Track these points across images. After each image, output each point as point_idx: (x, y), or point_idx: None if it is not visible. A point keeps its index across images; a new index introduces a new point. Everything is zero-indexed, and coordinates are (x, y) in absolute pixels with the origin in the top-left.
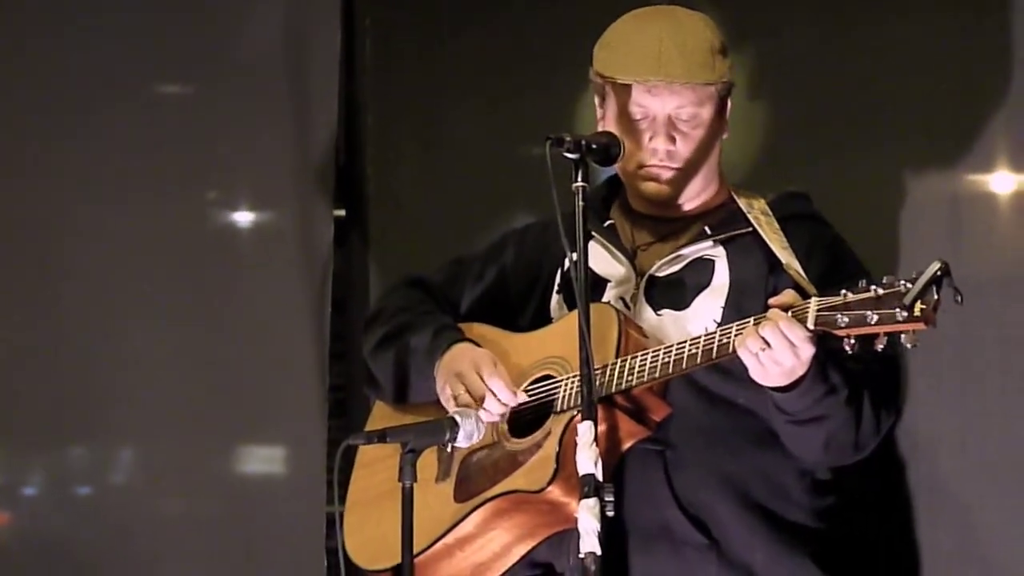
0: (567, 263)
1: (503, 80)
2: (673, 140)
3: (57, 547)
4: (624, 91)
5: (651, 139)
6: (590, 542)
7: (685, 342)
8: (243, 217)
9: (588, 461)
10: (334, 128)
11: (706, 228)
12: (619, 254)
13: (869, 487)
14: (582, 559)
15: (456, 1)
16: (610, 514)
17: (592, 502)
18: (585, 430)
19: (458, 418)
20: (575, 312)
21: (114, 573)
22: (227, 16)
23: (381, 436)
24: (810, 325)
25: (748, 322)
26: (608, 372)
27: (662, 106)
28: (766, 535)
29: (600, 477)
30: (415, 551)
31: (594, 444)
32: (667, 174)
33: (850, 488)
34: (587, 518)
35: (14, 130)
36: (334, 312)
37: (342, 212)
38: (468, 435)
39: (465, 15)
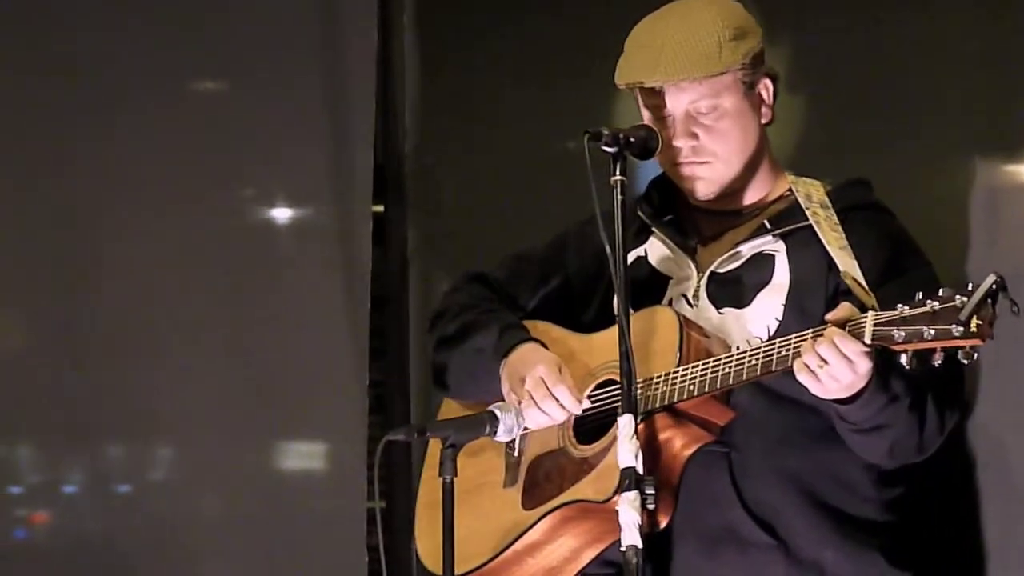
0: (617, 260)
1: (544, 73)
2: (695, 136)
3: (96, 545)
4: (642, 95)
5: (674, 136)
6: (631, 535)
7: (745, 353)
8: (281, 214)
9: (628, 454)
10: (372, 124)
11: (765, 222)
12: (679, 250)
13: (937, 473)
14: (623, 552)
15: None
16: (651, 507)
17: (632, 495)
18: (625, 423)
19: (498, 412)
20: (639, 314)
21: (154, 571)
22: (263, 11)
23: (421, 431)
24: (867, 340)
25: (807, 335)
26: (669, 382)
27: (676, 104)
28: (834, 532)
29: (640, 470)
30: (486, 559)
31: (635, 437)
32: (699, 170)
33: (918, 476)
34: (627, 511)
35: (52, 129)
36: (373, 309)
37: (381, 208)
38: (508, 429)
39: (504, 9)
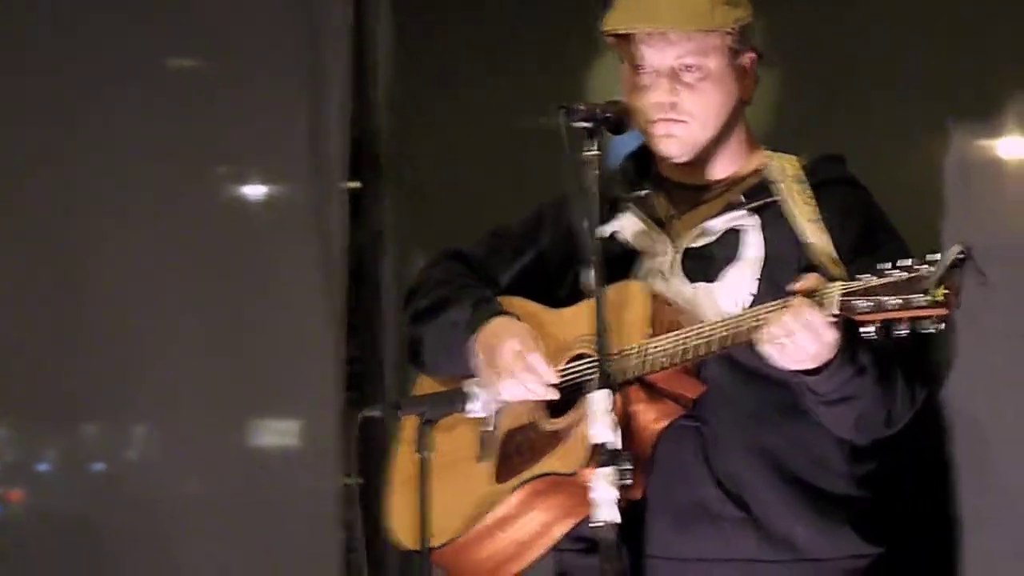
0: (592, 235)
1: (520, 49)
2: (676, 92)
3: (71, 523)
4: (628, 46)
5: (654, 92)
6: (607, 511)
7: (716, 324)
8: (257, 191)
9: (605, 429)
10: (348, 100)
11: (739, 197)
12: (653, 225)
13: (911, 447)
14: (600, 528)
15: None
16: (628, 482)
17: (609, 470)
18: (601, 398)
19: (473, 388)
20: (611, 288)
21: (129, 548)
22: None
23: (397, 407)
24: (833, 310)
25: (774, 306)
26: (638, 354)
27: (662, 57)
28: (806, 507)
29: (618, 445)
30: (456, 532)
31: (611, 412)
32: (674, 128)
33: (892, 451)
34: (603, 487)
35: (27, 107)
36: (349, 285)
37: (357, 184)
38: (484, 404)
39: None
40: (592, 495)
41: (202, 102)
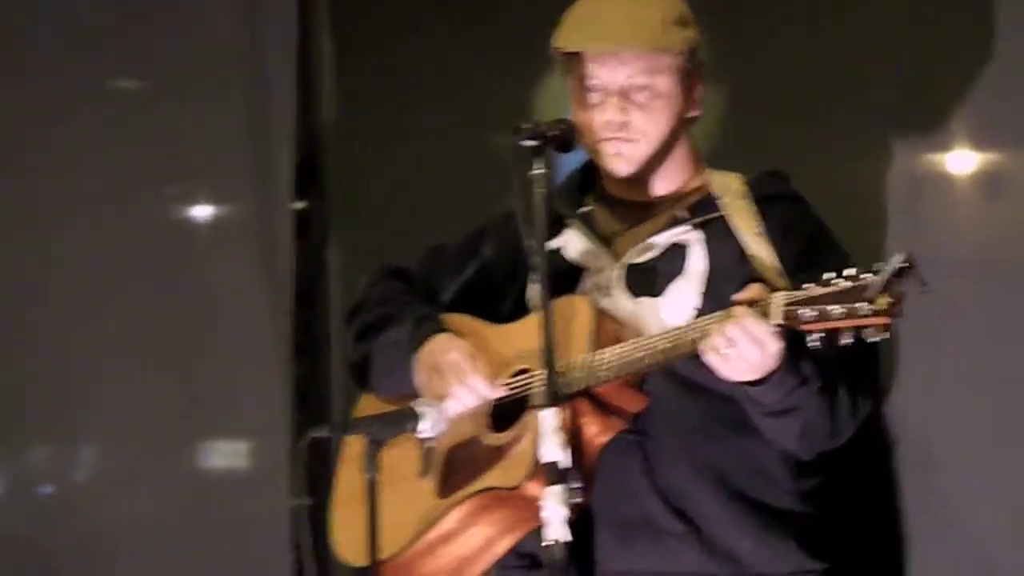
0: (540, 253)
1: (466, 67)
2: (627, 111)
3: (20, 547)
4: (577, 64)
5: (604, 111)
6: (557, 529)
7: (656, 337)
8: (203, 211)
9: (554, 448)
10: (293, 120)
11: (681, 213)
12: (596, 241)
13: (856, 464)
14: (551, 547)
15: None
16: (577, 500)
17: (558, 489)
18: (549, 416)
19: (421, 408)
20: (555, 303)
21: (79, 572)
22: (183, 9)
23: (344, 428)
24: (776, 320)
25: (718, 317)
26: (580, 367)
27: (612, 76)
28: (750, 522)
29: (568, 463)
30: (399, 547)
31: (559, 430)
32: (624, 147)
33: (837, 466)
34: (553, 505)
35: None
36: (296, 305)
37: (303, 204)
38: (432, 424)
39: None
40: (544, 513)
41: (147, 122)
